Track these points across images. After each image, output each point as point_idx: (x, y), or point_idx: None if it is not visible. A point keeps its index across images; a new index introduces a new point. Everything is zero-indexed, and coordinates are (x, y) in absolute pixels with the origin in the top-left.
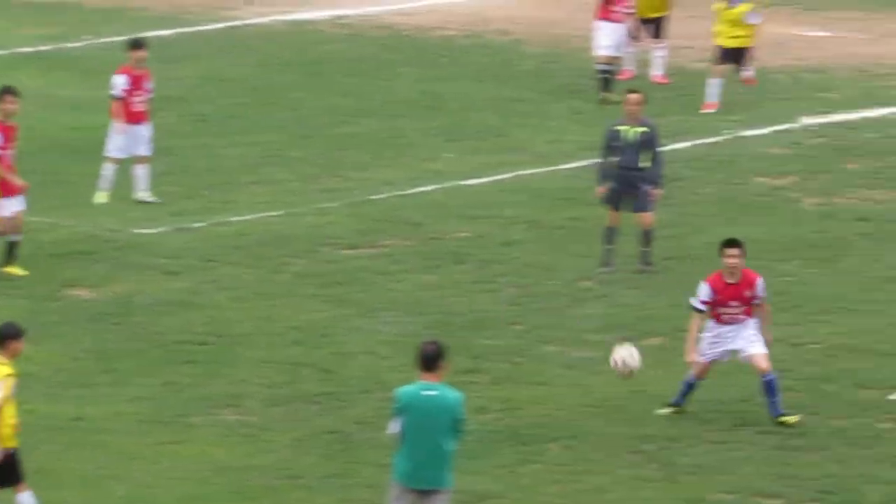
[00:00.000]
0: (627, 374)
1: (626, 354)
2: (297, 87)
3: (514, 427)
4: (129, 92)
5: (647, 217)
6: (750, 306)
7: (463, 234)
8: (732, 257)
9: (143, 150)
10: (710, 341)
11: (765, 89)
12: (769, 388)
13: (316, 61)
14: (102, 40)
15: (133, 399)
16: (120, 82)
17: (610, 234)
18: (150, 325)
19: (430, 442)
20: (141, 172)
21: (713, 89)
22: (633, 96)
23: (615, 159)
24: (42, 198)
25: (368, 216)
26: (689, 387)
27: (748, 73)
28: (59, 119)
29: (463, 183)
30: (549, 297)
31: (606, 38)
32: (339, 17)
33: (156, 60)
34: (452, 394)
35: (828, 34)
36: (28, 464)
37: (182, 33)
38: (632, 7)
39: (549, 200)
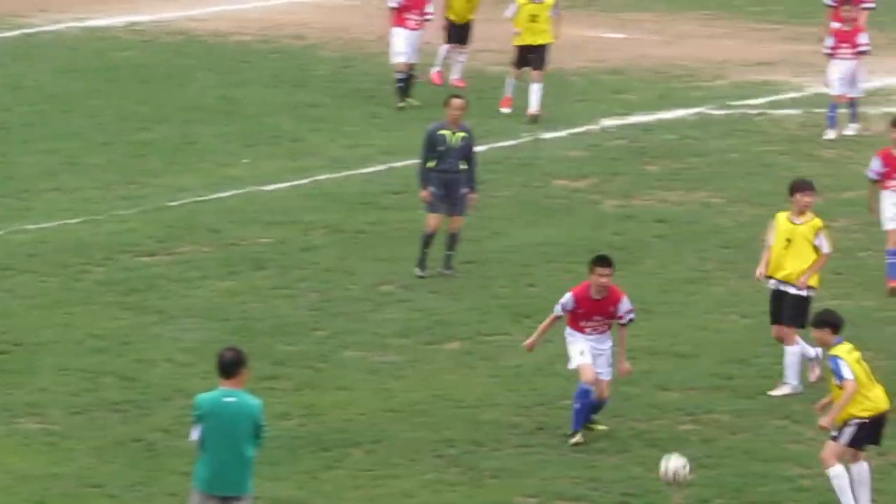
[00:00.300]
0: (672, 482)
1: (678, 467)
2: (93, 94)
3: (317, 433)
4: None
5: (459, 221)
6: (611, 321)
7: (262, 240)
8: (604, 276)
9: None
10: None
11: (563, 92)
12: (600, 406)
13: (112, 67)
14: None
15: None
16: None
17: (429, 239)
18: None
19: (230, 448)
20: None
21: (509, 88)
22: (457, 101)
23: (434, 163)
24: None
25: (166, 223)
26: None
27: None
28: None
29: (261, 188)
30: (350, 302)
31: (401, 45)
32: (134, 24)
33: None
34: (252, 400)
35: (624, 36)
36: None
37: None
38: (429, 14)
39: (347, 205)
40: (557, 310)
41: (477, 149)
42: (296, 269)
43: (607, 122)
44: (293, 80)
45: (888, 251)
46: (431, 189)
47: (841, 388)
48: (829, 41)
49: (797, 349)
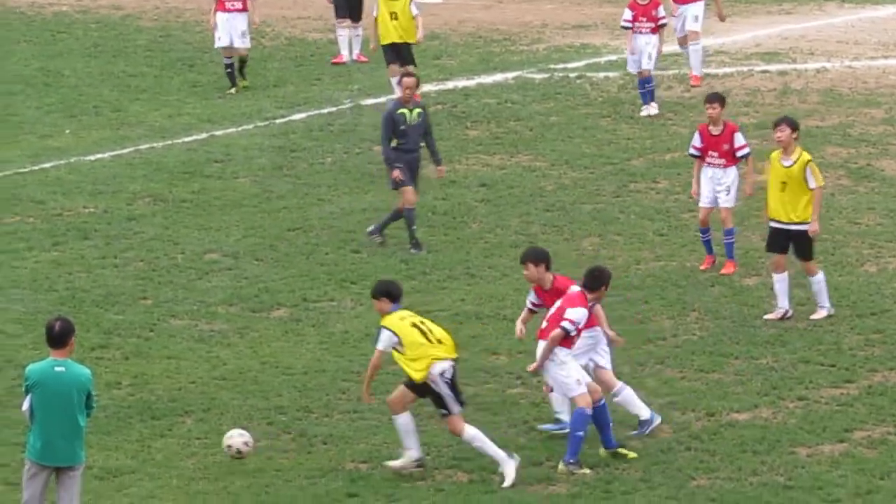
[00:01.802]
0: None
1: (240, 441)
2: None
3: (147, 401)
4: None
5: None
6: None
7: (87, 210)
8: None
9: None
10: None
11: (381, 57)
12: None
13: None
14: None
15: None
16: None
17: (411, 215)
18: None
19: (61, 418)
20: None
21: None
22: (409, 80)
23: (395, 142)
24: None
25: None
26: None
27: None
28: None
29: (84, 159)
30: (176, 271)
31: (222, 31)
32: None
33: None
34: (82, 369)
35: (442, 1)
36: None
37: None
38: None
39: (170, 174)
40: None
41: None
42: (121, 238)
43: (427, 88)
44: (113, 51)
45: (701, 229)
46: (399, 166)
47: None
48: (628, 14)
49: (821, 276)
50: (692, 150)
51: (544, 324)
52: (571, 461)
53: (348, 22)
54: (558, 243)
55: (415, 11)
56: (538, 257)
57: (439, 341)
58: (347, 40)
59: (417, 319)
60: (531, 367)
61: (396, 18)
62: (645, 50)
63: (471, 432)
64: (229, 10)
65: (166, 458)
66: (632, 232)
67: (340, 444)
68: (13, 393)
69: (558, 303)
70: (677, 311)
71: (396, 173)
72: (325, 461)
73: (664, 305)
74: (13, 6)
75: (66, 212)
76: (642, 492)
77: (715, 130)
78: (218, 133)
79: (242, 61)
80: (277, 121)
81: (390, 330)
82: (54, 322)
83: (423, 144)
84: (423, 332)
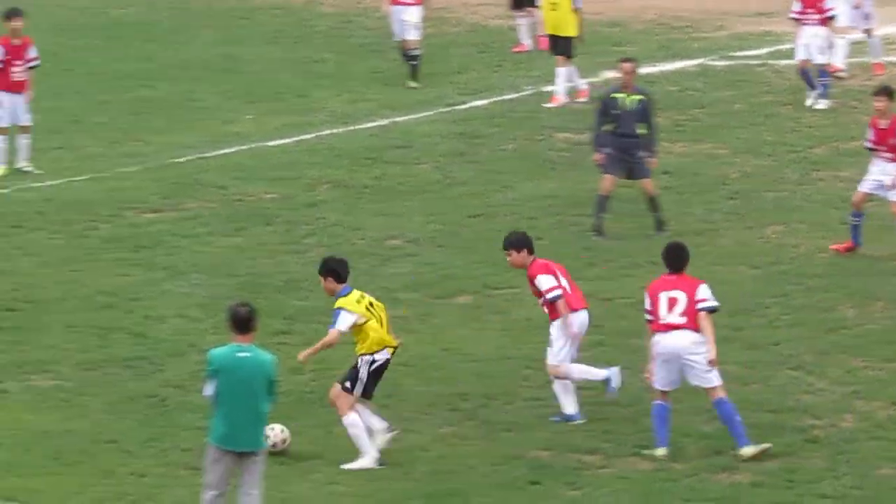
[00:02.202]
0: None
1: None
2: (94, 52)
3: (329, 387)
4: (8, 62)
5: (649, 183)
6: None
7: (268, 196)
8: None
9: (25, 119)
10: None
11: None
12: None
13: (112, 25)
14: None
15: None
16: None
17: (603, 202)
18: None
19: (245, 404)
20: (23, 142)
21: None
22: (628, 65)
23: (610, 126)
24: None
25: (170, 179)
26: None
27: None
28: None
29: (265, 144)
30: (358, 257)
31: (394, 22)
32: None
33: None
34: (265, 355)
35: None
36: None
37: None
38: None
39: (352, 160)
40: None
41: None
42: (302, 224)
43: (609, 75)
44: (294, 36)
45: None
46: (606, 151)
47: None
48: (797, 6)
49: None
50: (867, 144)
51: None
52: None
53: (525, 11)
54: (741, 231)
55: (576, 5)
56: (519, 244)
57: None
58: (527, 27)
59: (369, 301)
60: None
61: (555, 10)
62: (813, 42)
63: (352, 418)
64: (401, 3)
65: (349, 445)
66: (815, 220)
67: (523, 431)
68: (196, 377)
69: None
70: (860, 300)
71: (598, 156)
72: (507, 448)
73: (847, 294)
74: None
75: (248, 197)
76: (827, 481)
77: (882, 123)
78: (399, 119)
79: (412, 58)
80: (459, 107)
81: (349, 311)
82: (240, 307)
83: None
84: (378, 319)
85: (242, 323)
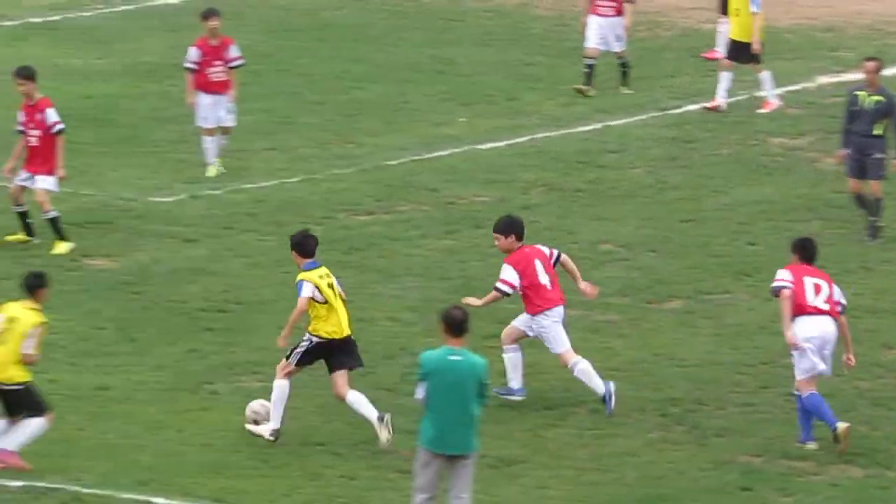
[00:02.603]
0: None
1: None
2: (306, 53)
3: (540, 391)
4: (206, 62)
5: (875, 185)
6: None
7: (481, 199)
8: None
9: (227, 119)
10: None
11: (776, 49)
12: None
13: (324, 27)
14: (113, 9)
15: (155, 367)
16: (192, 54)
17: (860, 201)
18: (170, 294)
19: (457, 407)
20: (220, 143)
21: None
22: (870, 64)
23: (852, 125)
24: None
25: (383, 182)
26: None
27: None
28: (71, 88)
29: (478, 147)
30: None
31: (592, 33)
32: None
33: (164, 29)
34: (478, 359)
35: None
36: (52, 433)
37: (190, 1)
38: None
39: (565, 163)
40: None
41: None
42: None
43: (823, 80)
44: (507, 39)
45: None
46: (845, 150)
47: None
48: None
49: None
50: None
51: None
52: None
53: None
54: None
55: (753, 9)
56: (506, 229)
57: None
58: (725, 35)
59: (328, 283)
60: None
61: (738, 15)
62: None
63: (280, 383)
64: (602, 15)
65: (559, 448)
66: None
67: (734, 436)
68: (406, 380)
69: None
70: None
71: (839, 154)
72: (718, 454)
73: None
74: None
75: (460, 200)
76: None
77: None
78: (612, 123)
79: (623, 65)
80: (672, 111)
81: (308, 281)
82: (454, 310)
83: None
84: (338, 301)
85: (456, 326)
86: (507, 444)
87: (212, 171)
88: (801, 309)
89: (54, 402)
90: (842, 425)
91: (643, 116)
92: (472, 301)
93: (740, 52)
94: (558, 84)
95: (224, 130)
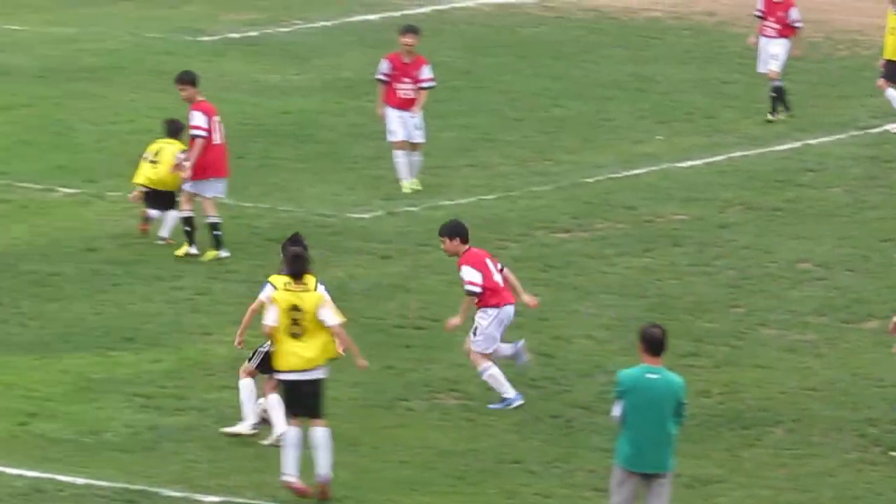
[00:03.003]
0: None
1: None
2: (505, 70)
3: (737, 410)
4: (395, 77)
5: None
6: None
7: (678, 217)
8: None
9: (416, 136)
10: None
11: None
12: None
13: (523, 44)
14: (311, 25)
15: (352, 384)
16: (383, 66)
17: None
18: (367, 310)
19: (653, 425)
20: (413, 159)
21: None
22: None
23: None
24: (255, 183)
25: (581, 199)
26: None
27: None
28: (269, 104)
29: (676, 165)
30: (768, 280)
31: (763, 54)
32: (546, 0)
33: (362, 45)
34: (675, 377)
35: None
36: (248, 449)
37: (389, 18)
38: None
39: (763, 182)
40: None
41: None
42: (712, 246)
43: None
44: (705, 57)
45: None
46: None
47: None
48: None
49: None
50: None
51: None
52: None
53: None
54: None
55: None
56: (451, 232)
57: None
58: None
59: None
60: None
61: (892, 34)
62: None
63: (244, 382)
64: (767, 36)
65: (755, 468)
66: None
67: None
68: (602, 399)
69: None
70: None
71: None
72: None
73: None
74: (608, 11)
75: (658, 218)
76: None
77: None
78: (811, 142)
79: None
80: (872, 130)
81: (271, 284)
82: (653, 328)
83: None
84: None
85: (654, 344)
86: (703, 464)
87: (407, 188)
88: None
89: None
90: None
91: (842, 136)
92: (455, 321)
93: (892, 71)
94: (756, 102)
95: (413, 146)
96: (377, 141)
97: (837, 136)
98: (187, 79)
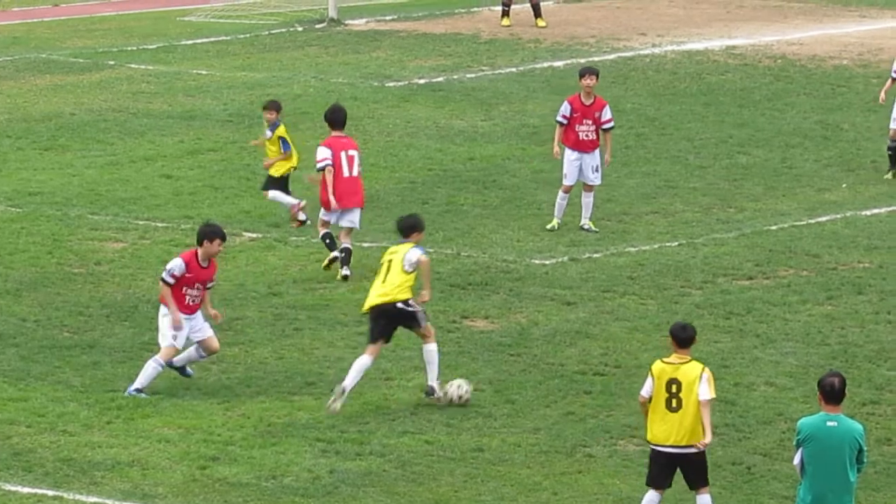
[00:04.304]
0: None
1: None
2: (691, 117)
3: None
4: (576, 119)
5: None
6: None
7: (862, 265)
8: None
9: (592, 178)
10: None
11: None
12: None
13: (709, 91)
14: (497, 71)
15: (532, 429)
16: (564, 108)
17: None
18: (548, 356)
19: (833, 473)
20: (586, 201)
21: None
22: None
23: None
24: (440, 228)
25: (764, 247)
26: None
27: None
28: (455, 150)
29: (860, 213)
30: None
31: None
32: (732, 47)
33: (547, 90)
34: (855, 425)
35: None
36: (427, 494)
37: (574, 64)
38: None
39: None
40: None
41: None
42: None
43: None
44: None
45: None
46: None
47: None
48: None
49: None
50: None
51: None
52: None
53: None
54: None
55: None
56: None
57: None
58: None
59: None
60: None
61: None
62: None
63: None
64: None
65: None
66: None
67: None
68: (783, 446)
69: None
70: None
71: None
72: None
73: None
74: (794, 59)
75: (841, 266)
76: None
77: None
78: None
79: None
80: None
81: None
82: (832, 377)
83: None
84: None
85: (833, 392)
86: None
87: (554, 224)
88: None
89: (431, 463)
90: None
91: None
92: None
93: None
94: None
95: (589, 188)
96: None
97: None
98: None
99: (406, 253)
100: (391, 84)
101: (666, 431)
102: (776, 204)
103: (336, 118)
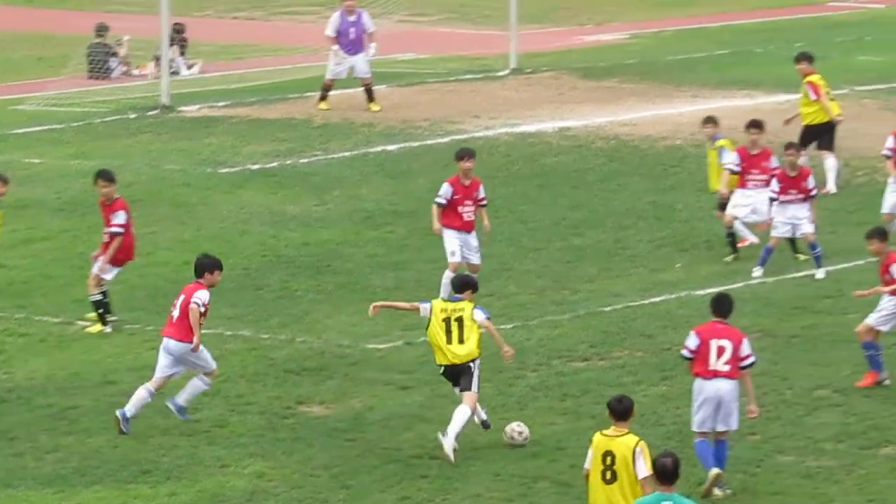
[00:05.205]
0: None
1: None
2: (525, 200)
3: None
4: (457, 201)
5: None
6: None
7: None
8: None
9: (475, 257)
10: None
11: None
12: None
13: (542, 173)
14: (331, 156)
15: None
16: (445, 190)
17: None
18: (384, 440)
19: None
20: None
21: None
22: None
23: None
24: (274, 314)
25: (599, 328)
26: None
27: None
28: (289, 235)
29: (694, 293)
30: (785, 407)
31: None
32: (566, 129)
33: (381, 175)
34: (689, 503)
35: None
36: None
37: (408, 147)
38: None
39: (780, 309)
40: None
41: None
42: None
43: None
44: None
45: None
46: None
47: None
48: None
49: None
50: None
51: None
52: None
53: None
54: None
55: None
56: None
57: None
58: None
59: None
60: None
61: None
62: None
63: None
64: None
65: None
66: None
67: None
68: None
69: None
70: None
71: None
72: None
73: None
74: (627, 139)
75: (676, 346)
76: None
77: None
78: (830, 268)
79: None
80: None
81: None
82: (666, 458)
83: None
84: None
85: (667, 473)
86: None
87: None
88: (700, 373)
89: None
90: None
91: (860, 262)
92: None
93: None
94: None
95: (473, 267)
96: (395, 271)
97: (855, 262)
98: (110, 177)
99: (472, 313)
100: (224, 170)
101: (602, 503)
102: (610, 285)
103: None
